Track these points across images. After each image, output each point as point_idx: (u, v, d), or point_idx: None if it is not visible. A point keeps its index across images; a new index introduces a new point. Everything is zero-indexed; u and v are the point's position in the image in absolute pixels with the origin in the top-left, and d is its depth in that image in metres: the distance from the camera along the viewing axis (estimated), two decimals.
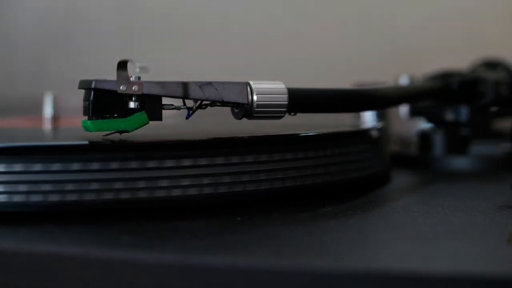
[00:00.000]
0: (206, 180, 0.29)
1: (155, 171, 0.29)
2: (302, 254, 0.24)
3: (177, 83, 0.30)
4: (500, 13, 0.71)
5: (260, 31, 0.76)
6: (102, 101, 0.30)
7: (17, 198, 0.28)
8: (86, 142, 0.29)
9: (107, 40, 0.80)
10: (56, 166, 0.28)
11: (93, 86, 0.29)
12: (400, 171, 0.41)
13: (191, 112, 0.31)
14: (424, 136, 0.44)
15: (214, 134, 0.32)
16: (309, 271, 0.22)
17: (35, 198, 0.28)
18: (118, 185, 0.28)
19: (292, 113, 0.32)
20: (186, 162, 0.29)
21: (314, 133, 0.33)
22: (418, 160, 0.44)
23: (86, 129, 0.30)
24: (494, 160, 0.42)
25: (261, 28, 0.76)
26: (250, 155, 0.30)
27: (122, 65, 0.30)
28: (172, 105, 0.31)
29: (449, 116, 0.43)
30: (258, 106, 0.31)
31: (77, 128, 0.42)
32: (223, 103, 0.31)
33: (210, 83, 0.30)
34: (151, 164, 0.29)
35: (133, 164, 0.28)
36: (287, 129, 0.35)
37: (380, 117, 0.45)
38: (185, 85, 0.30)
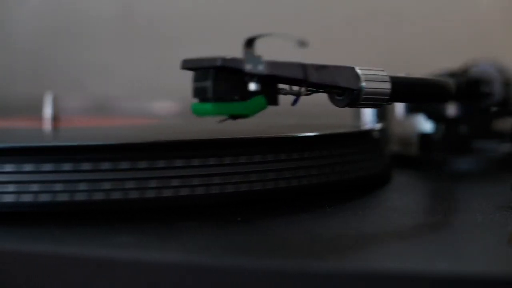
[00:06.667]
0: (206, 181, 0.29)
1: (154, 171, 0.29)
2: (302, 254, 0.24)
3: (297, 64, 0.28)
4: (500, 13, 0.71)
5: (260, 31, 0.76)
6: (222, 82, 0.27)
7: (16, 198, 0.28)
8: (97, 143, 0.29)
9: (107, 40, 0.80)
10: (54, 166, 0.28)
11: (219, 64, 0.27)
12: (400, 171, 0.41)
13: (298, 98, 0.29)
14: (424, 136, 0.44)
15: (217, 135, 0.32)
16: (309, 271, 0.22)
17: (34, 198, 0.28)
18: (120, 185, 0.28)
19: (389, 102, 0.31)
20: (187, 163, 0.29)
21: (315, 134, 0.33)
22: (418, 160, 0.44)
23: (204, 112, 0.27)
24: (494, 160, 0.42)
25: (262, 27, 0.76)
26: (251, 155, 0.30)
27: (250, 42, 0.28)
28: (284, 89, 0.29)
29: (449, 111, 0.43)
30: (366, 93, 0.29)
31: (77, 128, 0.42)
32: (330, 89, 0.29)
33: (325, 66, 0.28)
34: (148, 164, 0.29)
35: (130, 165, 0.28)
36: (288, 129, 0.35)
37: (380, 117, 0.45)
38: (304, 67, 0.28)
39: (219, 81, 0.27)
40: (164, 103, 0.65)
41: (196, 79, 0.28)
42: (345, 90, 0.29)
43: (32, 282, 0.24)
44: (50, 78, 0.81)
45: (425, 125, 0.45)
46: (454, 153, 0.43)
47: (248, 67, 0.27)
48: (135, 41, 0.80)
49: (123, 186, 0.28)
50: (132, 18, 0.81)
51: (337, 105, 0.30)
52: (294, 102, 0.29)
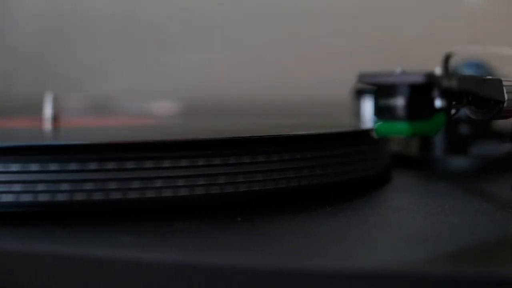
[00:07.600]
0: (206, 181, 0.29)
1: (153, 171, 0.29)
2: (301, 254, 0.24)
3: (472, 78, 0.27)
4: (499, 14, 0.71)
5: (260, 31, 0.76)
6: (415, 99, 0.25)
7: (16, 198, 0.28)
8: (86, 142, 0.29)
9: (107, 40, 0.80)
10: (54, 166, 0.28)
11: (421, 80, 0.25)
12: (400, 171, 0.41)
13: (458, 110, 0.28)
14: (424, 136, 0.44)
15: (216, 134, 0.32)
16: (309, 271, 0.22)
17: (34, 198, 0.28)
18: (117, 185, 0.28)
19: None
20: (186, 163, 0.29)
21: (314, 133, 0.33)
22: (418, 160, 0.44)
23: (396, 132, 0.25)
24: (494, 160, 0.42)
25: (262, 28, 0.76)
26: (251, 155, 0.30)
27: (448, 58, 0.27)
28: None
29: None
30: (509, 105, 0.28)
31: (78, 128, 0.42)
32: (484, 102, 0.28)
33: (483, 80, 0.27)
34: (148, 164, 0.29)
35: (131, 164, 0.28)
36: (287, 129, 0.35)
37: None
38: (472, 81, 0.27)
39: (413, 98, 0.25)
40: (164, 103, 0.65)
41: (381, 96, 0.25)
42: (488, 103, 0.28)
43: (33, 282, 0.24)
44: (50, 78, 0.81)
45: None
46: (454, 153, 0.43)
47: (445, 83, 0.25)
48: (135, 41, 0.80)
49: (135, 186, 0.28)
50: (132, 18, 0.81)
51: (479, 118, 0.29)
52: (454, 114, 0.28)
